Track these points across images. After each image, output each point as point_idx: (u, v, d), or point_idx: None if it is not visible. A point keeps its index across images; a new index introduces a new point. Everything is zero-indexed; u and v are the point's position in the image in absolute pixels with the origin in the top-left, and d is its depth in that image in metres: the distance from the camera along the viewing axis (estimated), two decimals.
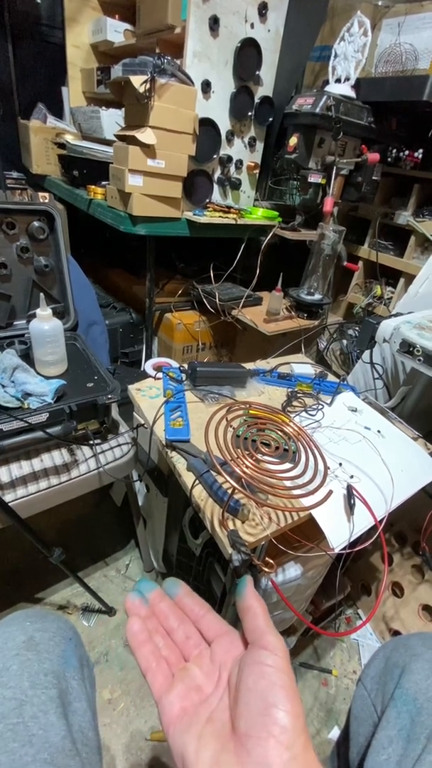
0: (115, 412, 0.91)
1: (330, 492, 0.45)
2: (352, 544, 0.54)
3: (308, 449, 0.48)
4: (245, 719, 0.26)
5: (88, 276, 1.83)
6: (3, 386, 0.74)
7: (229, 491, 0.53)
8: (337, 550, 0.52)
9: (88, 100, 1.88)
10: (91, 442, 0.79)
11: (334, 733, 0.87)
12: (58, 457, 0.77)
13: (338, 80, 1.30)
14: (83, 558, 1.10)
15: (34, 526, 0.72)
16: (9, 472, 0.72)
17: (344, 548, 0.53)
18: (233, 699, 0.28)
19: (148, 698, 0.85)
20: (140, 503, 1.05)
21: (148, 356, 1.57)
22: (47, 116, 1.76)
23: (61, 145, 1.56)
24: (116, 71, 1.39)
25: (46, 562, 0.78)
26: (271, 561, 0.45)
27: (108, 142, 1.44)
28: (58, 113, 1.92)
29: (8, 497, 0.69)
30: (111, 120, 1.52)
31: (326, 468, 0.46)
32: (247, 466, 0.43)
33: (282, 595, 0.51)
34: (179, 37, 1.20)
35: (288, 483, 0.45)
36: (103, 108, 1.54)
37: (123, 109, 1.21)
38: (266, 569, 0.45)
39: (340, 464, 0.62)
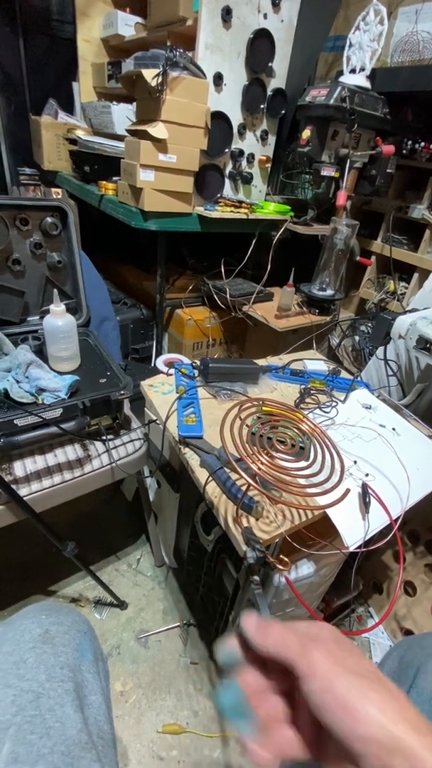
0: (127, 408, 0.92)
1: (347, 490, 0.44)
2: (367, 543, 0.53)
3: (324, 447, 0.48)
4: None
5: (100, 272, 1.84)
6: (17, 381, 0.74)
7: (243, 488, 0.52)
8: (351, 549, 0.52)
9: (98, 95, 1.87)
10: (104, 437, 0.79)
11: None
12: (71, 452, 0.78)
13: (353, 71, 1.28)
14: (95, 552, 1.11)
15: (47, 520, 0.73)
16: (24, 467, 0.73)
17: (359, 547, 0.52)
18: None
19: (160, 691, 0.86)
20: (151, 498, 1.05)
21: (159, 352, 1.57)
22: (58, 112, 1.76)
23: (72, 141, 1.56)
24: (128, 65, 1.39)
25: (59, 555, 0.79)
26: (286, 559, 0.45)
27: (119, 138, 1.43)
28: (69, 109, 1.92)
29: (23, 491, 0.70)
30: (122, 115, 1.52)
31: (343, 466, 0.45)
32: (262, 463, 0.43)
33: (296, 593, 0.51)
34: (191, 29, 1.19)
35: (303, 481, 0.45)
36: (114, 103, 1.54)
37: (134, 103, 1.20)
38: (280, 567, 0.44)
39: (355, 462, 0.62)
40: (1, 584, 1.01)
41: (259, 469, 0.42)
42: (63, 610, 0.46)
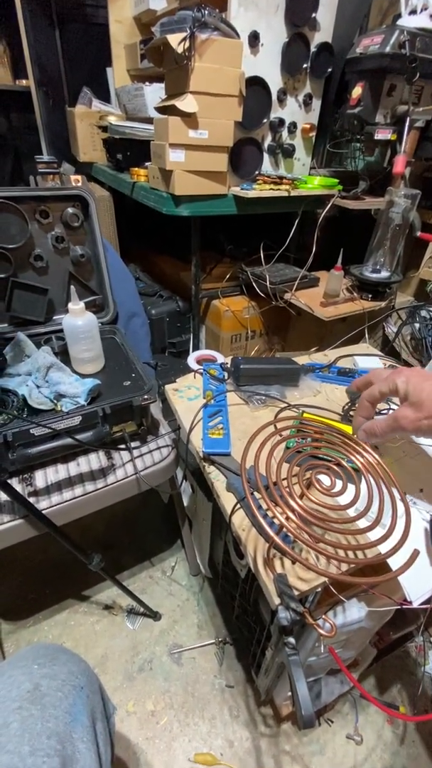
0: (157, 410, 0.85)
1: (416, 552, 0.34)
2: None
3: (384, 487, 0.37)
4: None
5: (137, 264, 1.78)
6: (37, 386, 0.70)
7: (277, 522, 0.43)
8: (416, 605, 0.41)
9: (132, 77, 1.80)
10: (127, 445, 0.73)
11: None
12: (94, 460, 0.72)
13: (413, 12, 1.09)
14: (129, 556, 1.08)
15: (79, 522, 0.70)
16: (45, 477, 0.68)
17: (426, 601, 0.41)
18: None
19: (193, 715, 0.81)
20: (185, 503, 0.99)
21: (196, 346, 1.49)
22: (92, 100, 1.71)
23: (105, 129, 1.51)
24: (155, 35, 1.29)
25: None
26: (331, 623, 0.35)
27: (152, 121, 1.35)
28: (106, 97, 1.87)
29: (43, 504, 0.66)
30: (155, 96, 1.43)
31: (408, 515, 0.35)
32: (292, 509, 0.33)
33: (341, 665, 0.41)
34: None
35: (358, 537, 0.35)
36: (147, 84, 1.45)
37: None
38: (324, 633, 0.35)
39: (421, 490, 0.50)
40: (37, 585, 1.00)
41: (288, 518, 0.32)
42: (60, 657, 0.40)
